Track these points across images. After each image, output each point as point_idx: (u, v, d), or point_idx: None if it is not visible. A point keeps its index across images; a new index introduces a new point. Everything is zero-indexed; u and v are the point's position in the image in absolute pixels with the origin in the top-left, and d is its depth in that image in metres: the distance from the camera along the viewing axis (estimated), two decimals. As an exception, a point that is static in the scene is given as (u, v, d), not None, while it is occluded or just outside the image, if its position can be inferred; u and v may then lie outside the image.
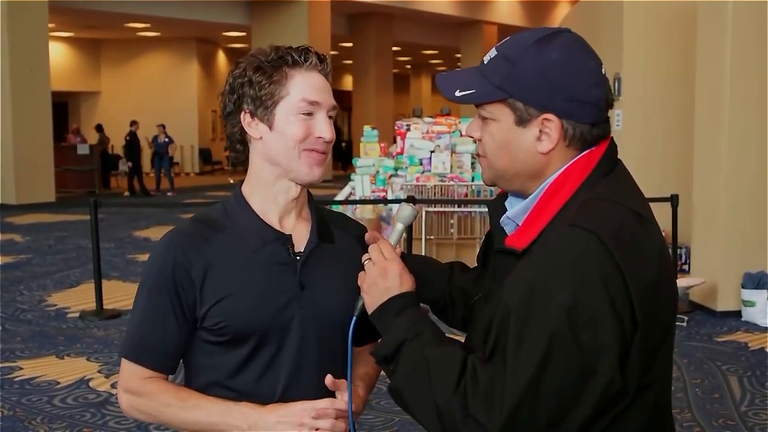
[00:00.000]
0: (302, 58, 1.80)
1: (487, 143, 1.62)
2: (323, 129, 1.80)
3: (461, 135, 10.71)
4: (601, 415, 1.48)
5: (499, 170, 1.62)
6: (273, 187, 1.83)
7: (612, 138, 1.63)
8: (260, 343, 1.79)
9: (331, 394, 1.81)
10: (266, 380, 1.79)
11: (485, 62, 1.61)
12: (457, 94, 1.61)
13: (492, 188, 9.94)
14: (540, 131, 1.56)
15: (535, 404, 1.42)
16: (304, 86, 1.79)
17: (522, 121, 1.56)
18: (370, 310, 1.69)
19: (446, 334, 1.63)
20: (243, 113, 1.81)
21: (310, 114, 1.79)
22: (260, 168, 1.84)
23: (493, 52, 1.61)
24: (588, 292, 1.42)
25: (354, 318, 1.76)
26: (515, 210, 1.63)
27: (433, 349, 1.55)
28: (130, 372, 1.82)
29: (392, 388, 1.60)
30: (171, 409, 1.78)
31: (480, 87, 1.59)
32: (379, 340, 1.66)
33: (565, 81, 1.53)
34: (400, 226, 1.81)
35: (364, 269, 1.73)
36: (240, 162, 1.89)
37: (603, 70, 1.59)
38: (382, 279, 1.68)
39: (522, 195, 1.63)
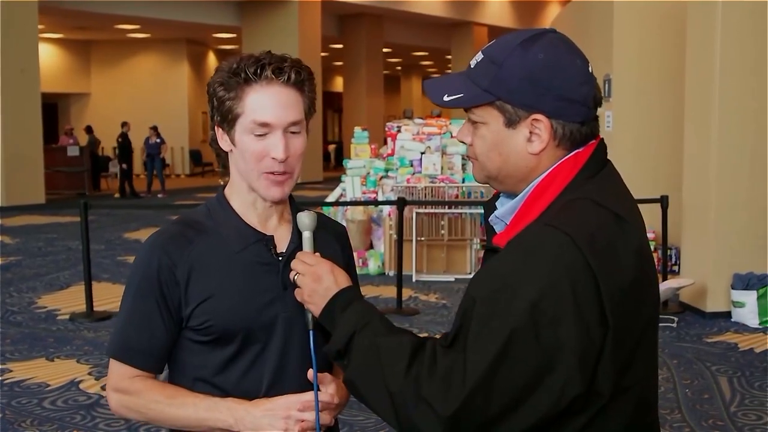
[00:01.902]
0: (256, 73, 1.74)
1: (478, 147, 1.62)
2: (276, 149, 1.75)
3: (452, 136, 10.73)
4: (574, 415, 1.49)
5: (492, 172, 1.63)
6: (249, 195, 1.85)
7: (602, 139, 1.64)
8: (245, 343, 1.81)
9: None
10: (250, 378, 1.82)
11: (472, 66, 1.62)
12: (446, 98, 1.62)
13: (483, 190, 9.96)
14: (530, 132, 1.56)
15: (489, 394, 1.44)
16: (256, 106, 1.74)
17: (511, 123, 1.57)
18: (317, 315, 1.71)
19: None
20: (215, 124, 1.83)
21: (263, 134, 1.76)
22: (236, 176, 1.86)
23: (479, 56, 1.61)
24: (554, 291, 1.44)
25: (311, 332, 1.79)
26: (503, 209, 1.65)
27: (383, 338, 1.58)
28: (118, 372, 1.84)
29: (347, 380, 1.62)
30: (159, 406, 1.80)
31: (468, 91, 1.59)
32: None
33: (553, 80, 1.54)
34: (307, 234, 1.82)
35: (297, 286, 1.75)
36: (223, 166, 1.90)
37: (590, 69, 1.59)
38: (317, 283, 1.71)
39: (513, 195, 1.64)
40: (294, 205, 1.93)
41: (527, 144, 1.57)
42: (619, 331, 1.47)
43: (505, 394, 1.44)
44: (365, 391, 1.58)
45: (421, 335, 1.62)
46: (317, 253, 1.79)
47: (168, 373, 1.92)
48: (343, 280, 1.72)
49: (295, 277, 1.75)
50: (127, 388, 1.82)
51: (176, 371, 1.88)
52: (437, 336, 1.64)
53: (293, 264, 1.76)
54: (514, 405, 1.45)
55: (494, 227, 1.68)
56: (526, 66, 1.54)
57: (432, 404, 1.46)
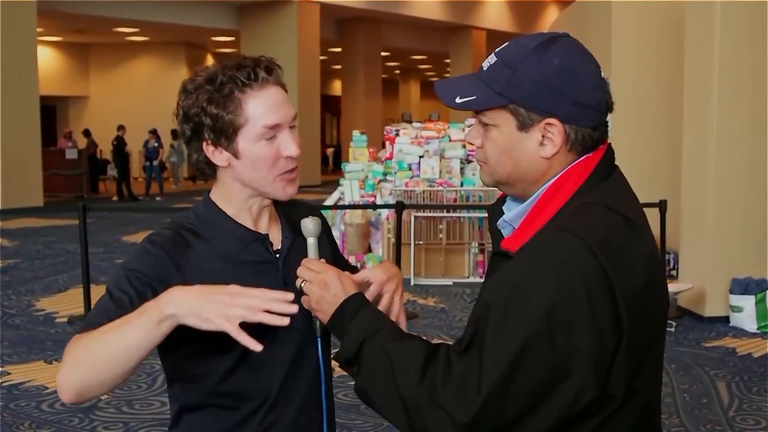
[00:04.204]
0: (251, 77, 1.74)
1: (488, 150, 1.62)
2: (289, 147, 1.77)
3: (450, 140, 10.74)
4: (587, 418, 1.49)
5: (502, 176, 1.62)
6: (246, 201, 1.84)
7: (610, 144, 1.64)
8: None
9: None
10: (261, 378, 1.80)
11: (484, 68, 1.61)
12: (458, 101, 1.61)
13: (481, 194, 9.96)
14: (543, 136, 1.56)
15: (504, 400, 1.44)
16: (261, 110, 1.74)
17: (524, 127, 1.57)
18: (326, 322, 1.69)
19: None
20: (205, 143, 1.78)
21: (273, 137, 1.76)
22: (231, 186, 1.83)
23: (492, 58, 1.61)
24: (569, 296, 1.44)
25: (319, 339, 1.79)
26: (512, 213, 1.64)
27: (394, 344, 1.57)
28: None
29: (358, 387, 1.61)
30: (87, 344, 1.66)
31: (481, 94, 1.59)
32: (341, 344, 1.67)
33: (567, 85, 1.54)
34: (311, 241, 1.82)
35: (304, 292, 1.72)
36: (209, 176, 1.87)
37: (602, 73, 1.60)
38: (325, 290, 1.69)
39: (521, 199, 1.64)
40: (278, 202, 1.91)
41: (539, 148, 1.57)
42: (633, 334, 1.47)
43: (520, 399, 1.44)
44: (377, 398, 1.57)
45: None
46: (322, 260, 1.78)
47: (180, 395, 1.86)
48: (351, 287, 1.70)
49: (302, 284, 1.72)
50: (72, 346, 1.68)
51: (179, 391, 1.85)
52: (436, 340, 1.64)
53: (299, 272, 1.74)
54: (529, 410, 1.45)
55: (502, 231, 1.68)
56: (541, 71, 1.53)
57: (448, 411, 1.45)
